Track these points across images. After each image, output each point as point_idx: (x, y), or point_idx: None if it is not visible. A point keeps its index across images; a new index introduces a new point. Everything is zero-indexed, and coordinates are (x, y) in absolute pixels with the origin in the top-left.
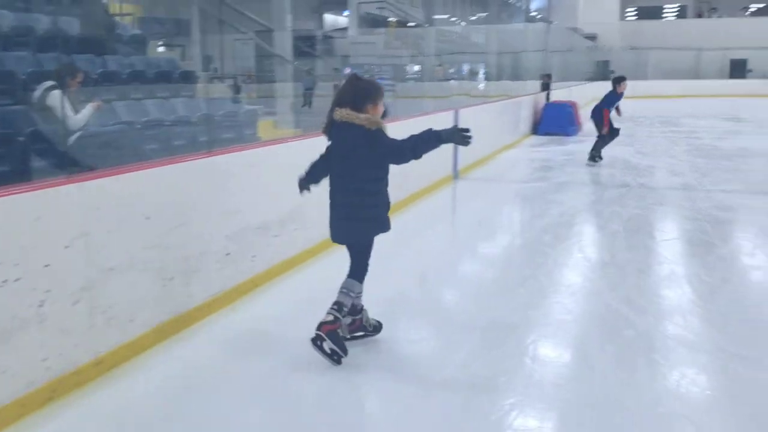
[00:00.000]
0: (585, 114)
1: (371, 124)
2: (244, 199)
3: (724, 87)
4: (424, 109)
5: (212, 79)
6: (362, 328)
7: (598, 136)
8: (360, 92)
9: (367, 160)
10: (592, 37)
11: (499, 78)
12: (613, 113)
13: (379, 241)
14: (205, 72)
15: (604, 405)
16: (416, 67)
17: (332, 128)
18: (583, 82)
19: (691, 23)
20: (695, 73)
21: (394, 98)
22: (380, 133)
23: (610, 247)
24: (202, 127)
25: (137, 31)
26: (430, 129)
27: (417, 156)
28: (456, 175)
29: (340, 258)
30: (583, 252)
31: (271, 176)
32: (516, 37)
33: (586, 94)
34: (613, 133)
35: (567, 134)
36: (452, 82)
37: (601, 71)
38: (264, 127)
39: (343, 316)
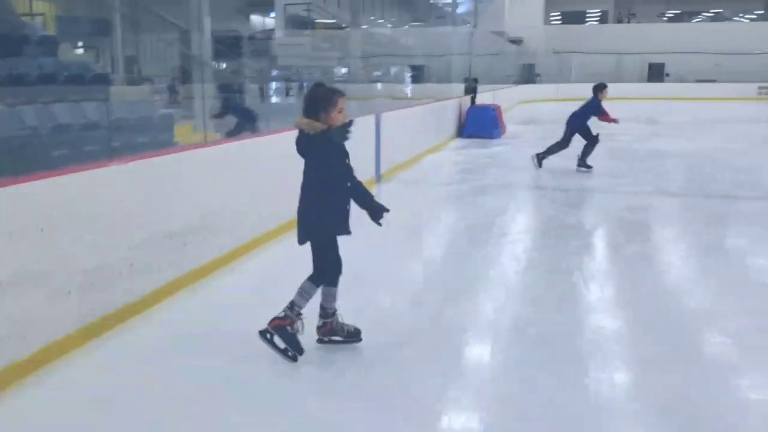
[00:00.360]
0: (509, 116)
1: (310, 128)
2: (151, 208)
3: (644, 90)
4: (349, 111)
5: (138, 81)
6: (335, 332)
7: (586, 144)
8: (311, 100)
9: (309, 163)
10: (517, 41)
11: (425, 81)
12: (592, 120)
13: (301, 247)
14: (129, 74)
15: (510, 405)
16: (343, 70)
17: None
18: (509, 86)
19: (612, 28)
20: (616, 77)
21: None
22: (318, 137)
23: (524, 249)
24: (116, 132)
25: (48, 32)
26: (369, 194)
27: (351, 186)
28: (379, 177)
29: (252, 266)
30: (498, 254)
31: (180, 184)
32: (442, 41)
33: (512, 97)
34: (595, 139)
35: (491, 137)
36: (378, 85)
37: (527, 74)
38: (181, 131)
39: (296, 315)
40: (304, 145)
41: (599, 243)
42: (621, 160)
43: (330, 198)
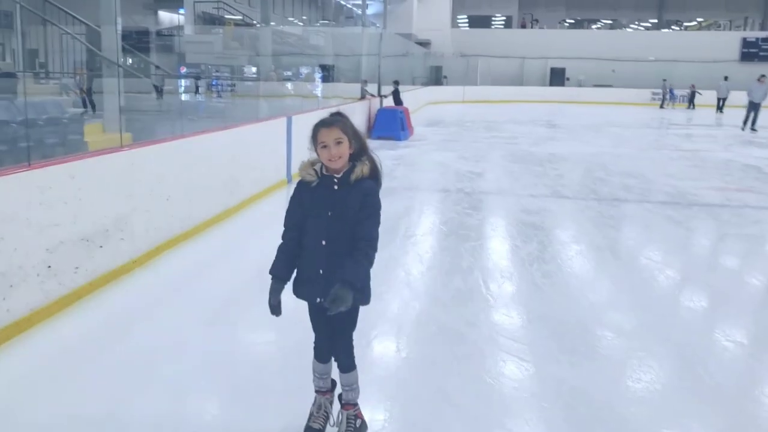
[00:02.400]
0: (417, 118)
1: (298, 173)
2: (66, 211)
3: (545, 93)
4: (259, 110)
5: (38, 77)
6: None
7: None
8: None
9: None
10: (425, 44)
11: (335, 80)
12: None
13: (210, 247)
14: (31, 70)
15: (411, 397)
16: (253, 69)
17: None
18: (417, 87)
19: (516, 33)
20: (520, 80)
21: (233, 97)
22: (294, 188)
23: (424, 251)
24: (22, 132)
25: None
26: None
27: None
28: (290, 179)
29: (167, 268)
30: (398, 255)
31: (94, 187)
32: (352, 41)
33: (420, 99)
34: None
35: (398, 138)
36: (289, 84)
37: (435, 76)
38: (91, 130)
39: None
40: None
41: (498, 243)
42: (520, 163)
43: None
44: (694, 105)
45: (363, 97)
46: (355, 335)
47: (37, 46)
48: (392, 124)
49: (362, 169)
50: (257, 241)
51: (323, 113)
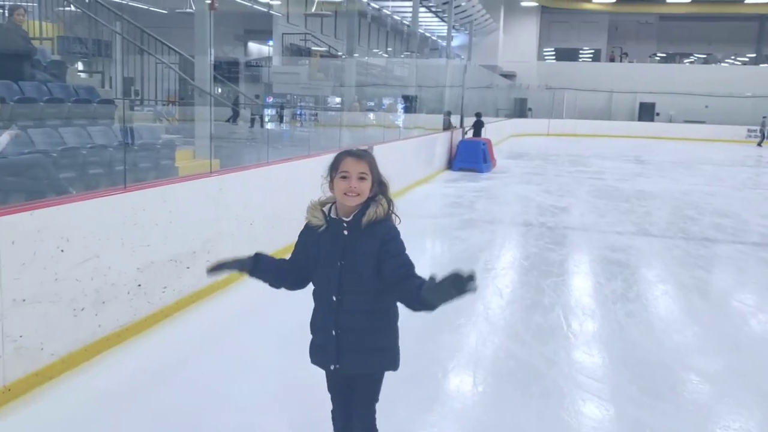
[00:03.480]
0: (500, 150)
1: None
2: (157, 233)
3: (633, 128)
4: (341, 140)
5: (134, 104)
6: None
7: None
8: None
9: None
10: (510, 76)
11: (417, 111)
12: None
13: None
14: (127, 97)
15: None
16: (337, 99)
17: None
18: (501, 119)
19: (605, 66)
20: (607, 114)
21: (316, 126)
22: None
23: (507, 284)
24: (119, 156)
25: (57, 57)
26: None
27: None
28: None
29: (249, 290)
30: (482, 288)
31: (183, 210)
32: (435, 72)
33: (503, 131)
34: None
35: (480, 171)
36: (371, 114)
37: (519, 108)
38: (182, 156)
39: None
40: None
41: (581, 280)
42: (606, 198)
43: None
44: None
45: (446, 128)
46: (432, 365)
47: (134, 74)
48: (474, 155)
49: (376, 210)
50: None
51: (405, 144)
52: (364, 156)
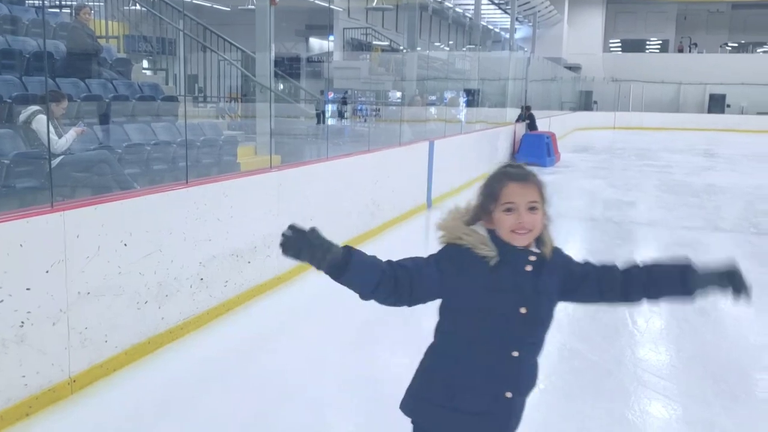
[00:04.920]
0: (564, 144)
1: (441, 229)
2: (218, 227)
3: (703, 121)
4: (402, 135)
5: (197, 101)
6: None
7: None
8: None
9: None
10: (575, 68)
11: (479, 105)
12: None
13: None
14: (190, 94)
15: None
16: (398, 93)
17: None
18: (565, 112)
19: (673, 57)
20: (675, 107)
21: (378, 122)
22: (440, 251)
23: None
24: (182, 153)
25: (122, 55)
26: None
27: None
28: (430, 204)
29: (308, 285)
30: None
31: (244, 205)
32: (498, 65)
33: (567, 124)
34: None
35: (543, 165)
36: (432, 109)
37: (584, 101)
38: (244, 152)
39: None
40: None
41: None
42: (675, 193)
43: (430, 365)
44: None
45: (520, 121)
46: None
47: (197, 71)
48: (538, 149)
49: (549, 235)
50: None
51: (466, 138)
52: (531, 178)
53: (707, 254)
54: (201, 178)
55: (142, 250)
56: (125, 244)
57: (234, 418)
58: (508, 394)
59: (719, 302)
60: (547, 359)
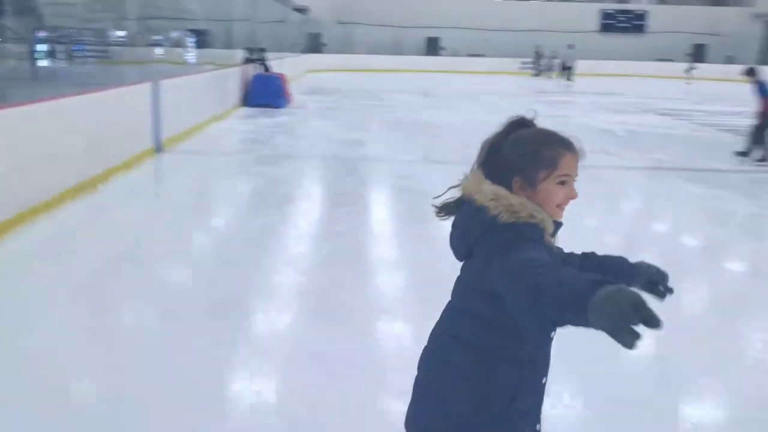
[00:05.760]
0: (296, 85)
1: (496, 207)
2: None
3: (422, 63)
4: (126, 77)
5: None
6: None
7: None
8: (500, 149)
9: (474, 276)
10: (303, 10)
11: (208, 46)
12: None
13: (67, 220)
14: None
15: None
16: (120, 33)
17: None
18: (296, 54)
19: (393, 1)
20: (399, 49)
21: (99, 63)
22: (505, 233)
23: (303, 216)
24: None
25: None
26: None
27: (544, 315)
28: (159, 148)
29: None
30: (280, 222)
31: None
32: (226, 5)
33: (298, 66)
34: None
35: (277, 106)
36: (157, 49)
37: (313, 43)
38: None
39: None
40: (468, 231)
41: (372, 208)
42: (396, 130)
43: (485, 365)
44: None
45: (250, 62)
46: (225, 300)
47: None
48: (270, 91)
49: None
50: (129, 211)
51: (194, 78)
52: (581, 149)
53: (427, 184)
54: None
55: None
56: None
57: None
58: (543, 380)
59: (428, 221)
60: (281, 297)
